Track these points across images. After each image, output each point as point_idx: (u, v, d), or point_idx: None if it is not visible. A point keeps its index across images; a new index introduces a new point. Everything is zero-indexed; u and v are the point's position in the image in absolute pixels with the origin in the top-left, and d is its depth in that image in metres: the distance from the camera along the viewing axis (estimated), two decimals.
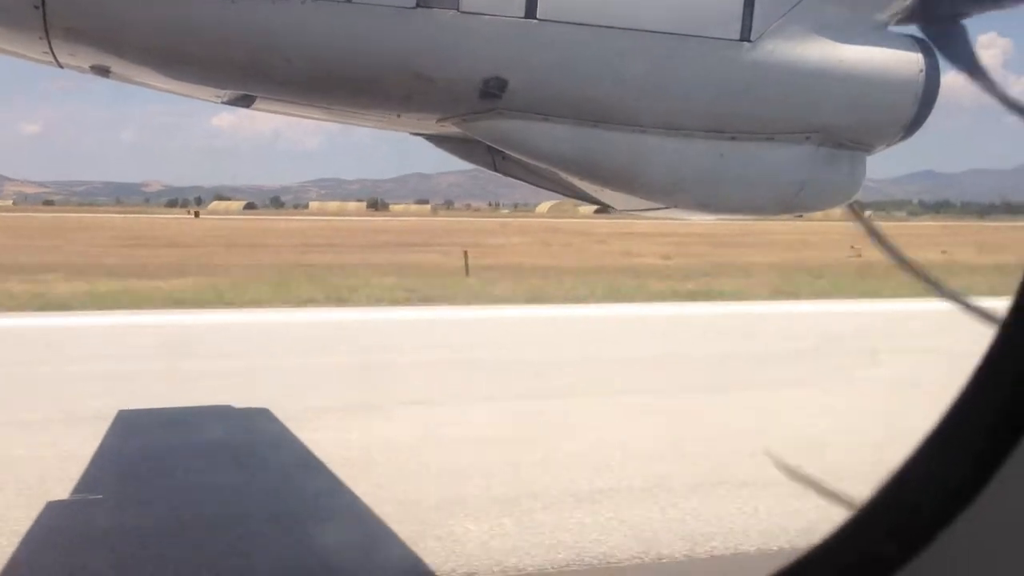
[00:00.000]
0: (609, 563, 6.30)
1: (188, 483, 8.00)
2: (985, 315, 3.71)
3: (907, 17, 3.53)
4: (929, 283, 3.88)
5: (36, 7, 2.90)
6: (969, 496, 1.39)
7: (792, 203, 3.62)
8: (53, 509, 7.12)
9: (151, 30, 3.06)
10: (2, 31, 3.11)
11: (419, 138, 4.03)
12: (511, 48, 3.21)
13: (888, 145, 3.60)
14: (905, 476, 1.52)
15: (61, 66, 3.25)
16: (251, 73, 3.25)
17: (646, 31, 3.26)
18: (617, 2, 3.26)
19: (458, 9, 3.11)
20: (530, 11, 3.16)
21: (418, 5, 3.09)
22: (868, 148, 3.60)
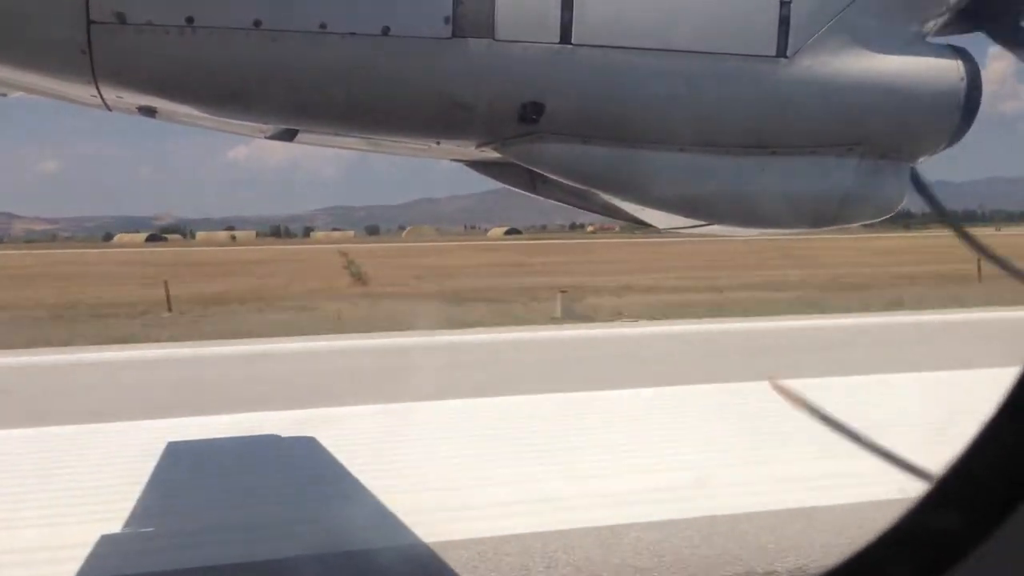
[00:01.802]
0: None
1: None
2: None
3: (945, 27, 3.54)
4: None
5: (84, 52, 2.94)
6: None
7: (836, 216, 3.61)
8: None
9: (196, 72, 3.09)
10: (52, 76, 3.15)
11: (428, 164, 4.03)
12: (547, 73, 3.22)
13: (932, 154, 3.59)
14: (974, 456, 1.49)
15: (110, 108, 3.28)
16: (294, 108, 3.28)
17: (681, 51, 3.27)
18: (650, 24, 3.27)
19: (493, 37, 3.14)
20: (565, 36, 3.18)
21: (454, 35, 3.11)
22: (912, 158, 3.59)
